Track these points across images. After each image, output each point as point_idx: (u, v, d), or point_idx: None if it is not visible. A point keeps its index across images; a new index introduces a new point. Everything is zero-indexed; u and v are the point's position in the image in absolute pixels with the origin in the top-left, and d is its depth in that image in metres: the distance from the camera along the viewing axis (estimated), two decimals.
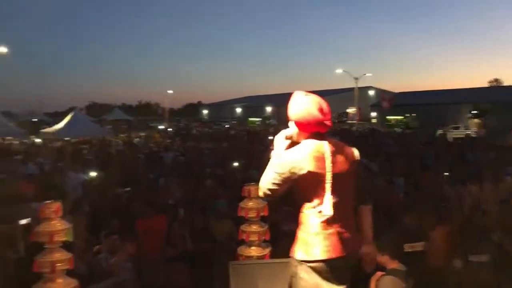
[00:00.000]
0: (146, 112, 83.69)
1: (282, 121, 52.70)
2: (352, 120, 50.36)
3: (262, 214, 4.04)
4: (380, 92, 61.44)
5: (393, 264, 3.73)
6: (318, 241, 2.66)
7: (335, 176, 2.63)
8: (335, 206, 2.63)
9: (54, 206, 3.35)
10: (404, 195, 7.84)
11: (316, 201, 2.67)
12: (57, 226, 3.33)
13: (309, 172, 2.61)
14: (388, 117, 49.45)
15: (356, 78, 46.28)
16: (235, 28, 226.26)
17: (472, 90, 57.30)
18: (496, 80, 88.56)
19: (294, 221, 6.61)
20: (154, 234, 5.87)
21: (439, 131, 31.48)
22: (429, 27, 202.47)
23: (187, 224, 6.32)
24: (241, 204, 4.05)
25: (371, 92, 66.60)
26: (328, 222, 2.66)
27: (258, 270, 3.64)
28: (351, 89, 50.70)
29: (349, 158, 2.76)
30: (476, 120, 43.27)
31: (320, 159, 2.64)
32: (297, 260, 2.71)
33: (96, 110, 67.26)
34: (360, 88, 49.94)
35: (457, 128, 38.40)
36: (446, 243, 5.69)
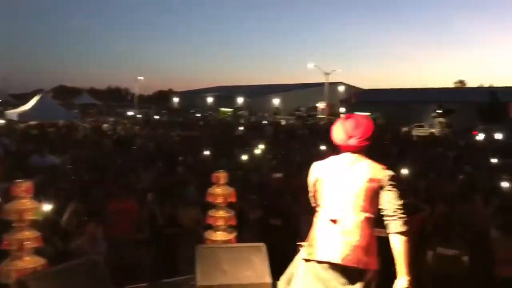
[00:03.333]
0: (115, 98, 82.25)
1: (253, 113, 52.93)
2: (321, 115, 50.92)
3: (229, 200, 4.18)
4: (350, 88, 62.31)
5: None
6: (316, 241, 2.84)
7: (342, 186, 2.83)
8: (341, 215, 2.79)
9: (25, 185, 3.40)
10: None
11: (323, 205, 2.90)
12: (27, 204, 3.38)
13: (318, 178, 2.94)
14: (356, 113, 50.22)
15: (327, 73, 46.77)
16: (208, 18, 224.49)
17: (438, 90, 58.87)
18: (461, 81, 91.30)
19: (260, 209, 6.82)
20: (124, 216, 5.94)
21: (404, 129, 32.27)
22: (399, 27, 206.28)
23: (156, 209, 6.40)
24: (210, 190, 4.18)
25: (341, 88, 67.44)
26: (331, 227, 2.80)
27: (223, 254, 3.79)
28: (322, 84, 51.23)
29: (367, 174, 2.84)
30: (440, 119, 44.49)
31: (333, 169, 2.93)
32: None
33: (64, 94, 65.79)
34: (330, 84, 50.49)
35: (421, 126, 39.42)
36: (417, 233, 6.00)
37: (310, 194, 3.04)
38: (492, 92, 42.25)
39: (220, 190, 4.15)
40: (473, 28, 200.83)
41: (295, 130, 27.98)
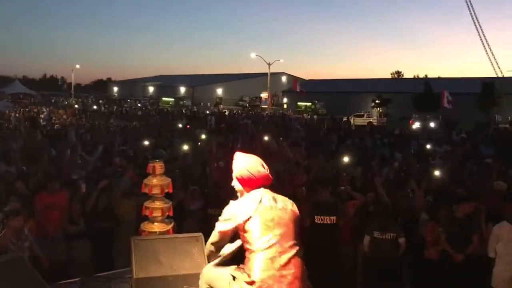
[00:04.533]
0: (51, 87, 78.72)
1: (195, 102, 52.40)
2: (264, 105, 51.26)
3: (166, 190, 4.08)
4: (293, 78, 63.12)
5: None
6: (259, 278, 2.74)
7: (277, 221, 2.78)
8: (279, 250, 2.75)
9: None
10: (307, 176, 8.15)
11: (267, 241, 2.74)
12: None
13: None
14: (298, 103, 51.04)
15: (269, 64, 47.02)
16: (147, 6, 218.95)
17: (376, 80, 60.99)
18: (398, 72, 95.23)
19: (199, 200, 6.75)
20: (56, 210, 5.69)
21: (344, 118, 33.17)
22: (340, 20, 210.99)
23: (91, 201, 6.18)
24: (145, 181, 4.05)
25: (284, 78, 68.17)
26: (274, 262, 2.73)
27: (160, 245, 3.69)
28: (265, 74, 51.47)
29: (288, 207, 2.86)
30: (378, 109, 46.09)
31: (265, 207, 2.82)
32: None
33: None
34: (272, 74, 50.83)
35: (360, 116, 40.65)
36: (355, 219, 6.19)
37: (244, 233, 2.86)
38: (426, 83, 44.24)
39: (156, 181, 4.03)
40: (410, 23, 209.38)
41: (238, 119, 28.00)
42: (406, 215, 6.34)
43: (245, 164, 2.95)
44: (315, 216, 5.95)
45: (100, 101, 49.64)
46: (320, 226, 5.93)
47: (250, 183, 2.92)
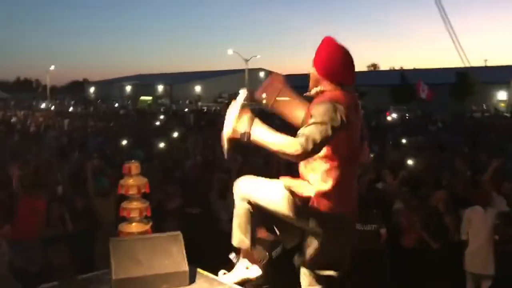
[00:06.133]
0: (25, 90, 77.28)
1: (174, 101, 52.06)
2: None
3: (143, 191, 4.07)
4: (270, 74, 63.16)
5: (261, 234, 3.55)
6: None
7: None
8: None
9: None
10: None
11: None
12: None
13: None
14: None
15: (247, 60, 47.00)
16: (121, 5, 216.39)
17: None
18: (374, 65, 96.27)
19: (178, 200, 6.76)
20: (36, 214, 5.63)
21: None
22: (317, 15, 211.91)
23: (68, 203, 6.14)
24: (121, 181, 4.04)
25: (262, 74, 68.18)
26: None
27: (139, 245, 3.69)
28: (243, 71, 51.39)
29: None
30: None
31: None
32: None
33: None
34: (250, 70, 50.79)
35: None
36: None
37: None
38: (402, 74, 44.76)
39: (133, 181, 4.00)
40: (387, 16, 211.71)
41: (217, 116, 27.94)
42: (380, 205, 6.45)
43: None
44: None
45: (72, 102, 48.87)
46: None
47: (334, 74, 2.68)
